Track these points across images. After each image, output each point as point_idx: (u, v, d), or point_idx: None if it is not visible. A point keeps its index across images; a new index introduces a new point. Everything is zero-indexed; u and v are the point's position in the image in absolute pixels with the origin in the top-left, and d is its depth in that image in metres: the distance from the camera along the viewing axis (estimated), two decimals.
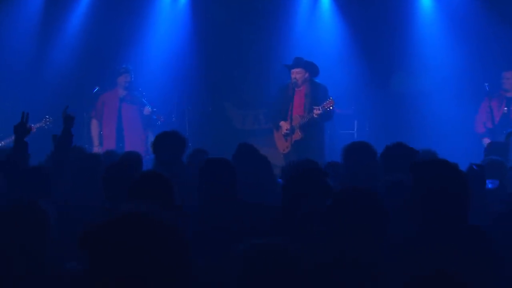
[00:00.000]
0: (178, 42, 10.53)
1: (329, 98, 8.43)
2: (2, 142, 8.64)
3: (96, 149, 9.14)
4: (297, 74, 8.69)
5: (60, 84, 10.01)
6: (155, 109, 9.41)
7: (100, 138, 9.52)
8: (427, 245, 3.01)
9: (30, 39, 10.14)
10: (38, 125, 8.64)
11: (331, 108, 8.39)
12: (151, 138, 9.19)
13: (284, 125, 8.75)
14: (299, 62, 8.75)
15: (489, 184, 5.02)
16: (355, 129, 10.20)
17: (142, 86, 9.70)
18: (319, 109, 8.37)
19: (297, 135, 8.61)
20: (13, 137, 8.45)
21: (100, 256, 1.77)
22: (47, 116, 8.73)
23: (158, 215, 1.83)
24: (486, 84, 8.86)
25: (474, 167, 4.74)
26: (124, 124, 9.41)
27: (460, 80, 9.49)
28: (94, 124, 9.56)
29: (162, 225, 1.82)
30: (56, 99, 9.57)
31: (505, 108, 8.83)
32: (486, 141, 8.54)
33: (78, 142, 8.82)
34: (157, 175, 3.60)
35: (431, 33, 10.06)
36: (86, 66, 10.14)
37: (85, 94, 9.66)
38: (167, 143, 5.31)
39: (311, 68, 8.72)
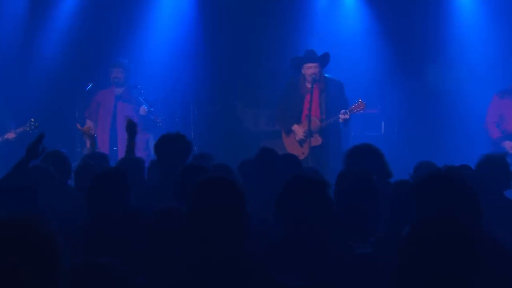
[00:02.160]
0: (181, 35, 10.02)
1: (359, 100, 7.94)
2: None
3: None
4: (315, 68, 8.21)
5: (50, 81, 9.64)
6: (152, 109, 8.95)
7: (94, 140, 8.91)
8: None
9: (16, 31, 9.71)
10: (21, 129, 8.51)
11: (360, 112, 7.98)
12: (152, 140, 9.11)
13: (298, 130, 8.24)
14: (315, 56, 8.25)
15: None
16: (382, 131, 9.66)
17: (142, 83, 9.27)
18: (346, 114, 7.92)
19: (317, 140, 8.14)
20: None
21: None
22: (32, 120, 8.49)
23: None
24: None
25: None
26: (119, 124, 8.90)
27: (504, 73, 8.81)
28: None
29: None
30: (44, 97, 9.39)
31: None
32: (510, 144, 8.08)
33: (70, 145, 8.74)
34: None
35: (469, 19, 9.42)
36: (79, 62, 9.73)
37: (77, 92, 9.36)
38: (170, 147, 5.11)
39: (325, 62, 8.28)
